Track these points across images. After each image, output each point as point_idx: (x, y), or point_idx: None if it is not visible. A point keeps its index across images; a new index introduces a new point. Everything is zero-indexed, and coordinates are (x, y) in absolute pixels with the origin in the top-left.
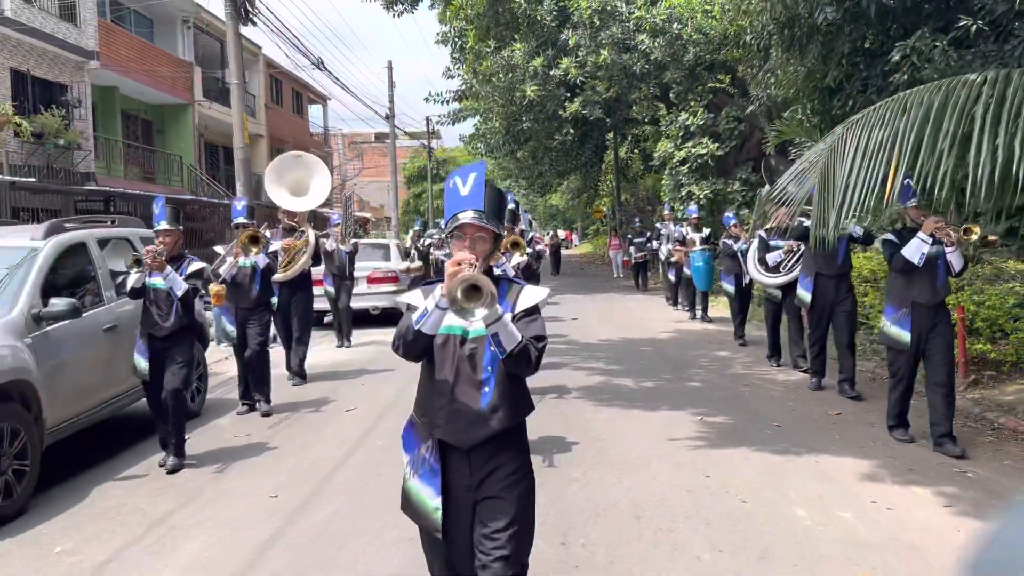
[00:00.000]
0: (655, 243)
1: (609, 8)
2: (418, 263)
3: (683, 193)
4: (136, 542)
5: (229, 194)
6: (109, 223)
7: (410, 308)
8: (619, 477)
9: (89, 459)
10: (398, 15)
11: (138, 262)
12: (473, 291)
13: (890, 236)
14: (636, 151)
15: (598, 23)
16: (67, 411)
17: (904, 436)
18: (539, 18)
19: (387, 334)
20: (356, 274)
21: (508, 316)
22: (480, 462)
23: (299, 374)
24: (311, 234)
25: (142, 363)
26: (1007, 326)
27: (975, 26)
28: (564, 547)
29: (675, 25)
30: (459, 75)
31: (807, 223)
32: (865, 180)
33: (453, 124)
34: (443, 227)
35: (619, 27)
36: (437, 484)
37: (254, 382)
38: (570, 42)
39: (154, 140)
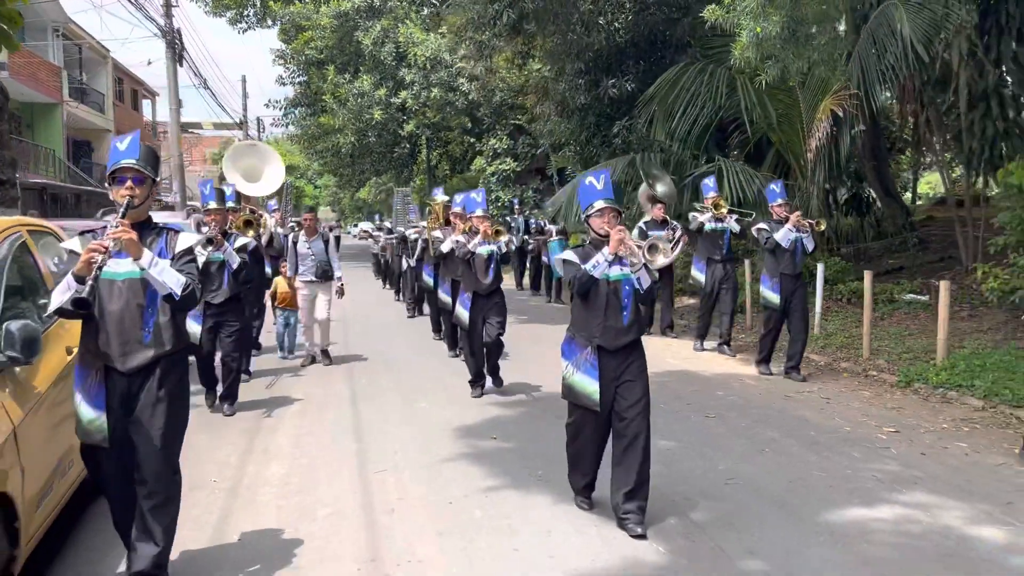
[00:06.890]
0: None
1: (438, 57)
2: None
3: (492, 197)
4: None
5: (95, 183)
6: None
7: (569, 263)
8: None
9: None
10: (243, 32)
11: (210, 241)
12: (653, 248)
13: (764, 226)
14: (445, 155)
15: (429, 67)
16: None
17: (766, 371)
18: (382, 58)
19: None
20: None
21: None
22: (621, 359)
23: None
24: (267, 219)
25: (195, 327)
26: None
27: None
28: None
29: (488, 75)
30: (291, 83)
31: (701, 218)
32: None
33: (286, 128)
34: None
35: (446, 72)
36: (595, 375)
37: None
38: (407, 78)
39: (23, 134)
